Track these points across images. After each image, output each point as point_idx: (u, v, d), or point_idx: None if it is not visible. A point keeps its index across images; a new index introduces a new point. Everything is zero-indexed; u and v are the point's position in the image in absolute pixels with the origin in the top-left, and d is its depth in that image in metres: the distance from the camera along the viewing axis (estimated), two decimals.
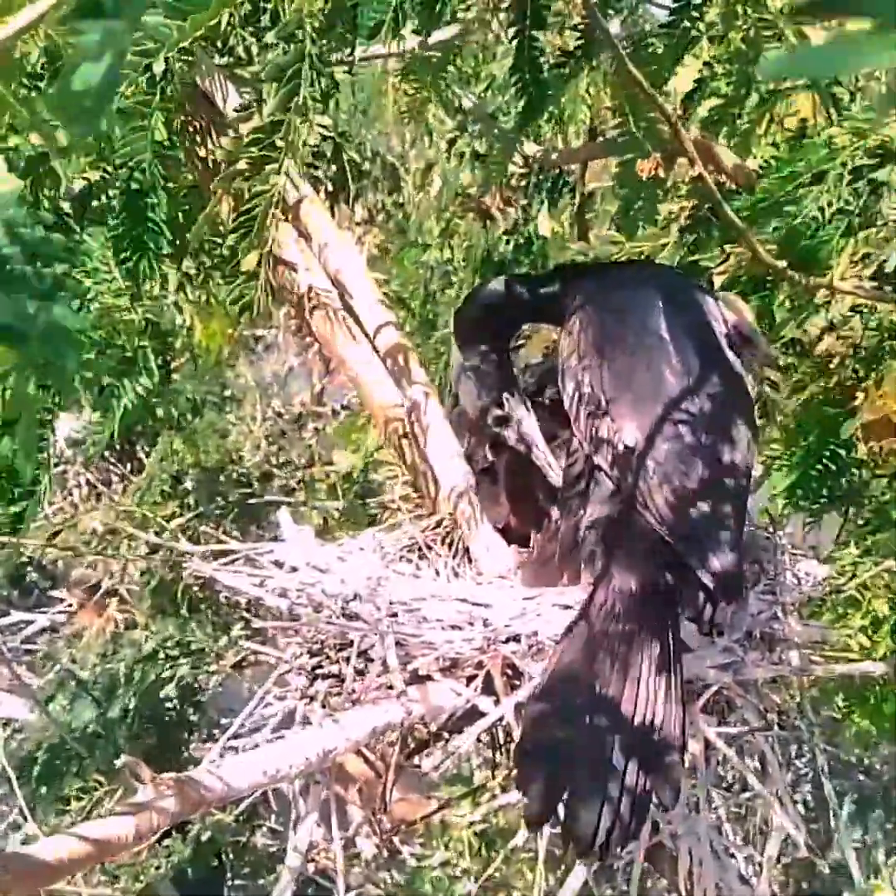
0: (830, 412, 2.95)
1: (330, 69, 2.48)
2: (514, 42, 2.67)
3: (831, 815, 4.51)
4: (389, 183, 5.85)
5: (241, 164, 2.50)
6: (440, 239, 4.54)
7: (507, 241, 4.29)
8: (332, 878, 4.90)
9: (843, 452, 2.97)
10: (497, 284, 2.74)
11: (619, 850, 2.14)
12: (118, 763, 1.82)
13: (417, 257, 4.68)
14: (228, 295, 2.61)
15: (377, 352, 2.72)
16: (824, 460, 2.98)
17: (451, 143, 4.23)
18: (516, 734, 2.37)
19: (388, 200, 5.85)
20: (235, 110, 2.69)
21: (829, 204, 2.67)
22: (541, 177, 3.96)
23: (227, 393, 6.56)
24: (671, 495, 2.31)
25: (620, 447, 2.38)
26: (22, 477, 2.47)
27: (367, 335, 2.72)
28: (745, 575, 2.40)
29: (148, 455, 5.90)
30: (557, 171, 3.89)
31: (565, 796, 2.12)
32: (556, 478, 2.63)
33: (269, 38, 2.42)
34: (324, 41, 2.44)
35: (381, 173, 5.78)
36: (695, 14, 2.80)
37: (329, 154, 3.01)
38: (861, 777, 4.18)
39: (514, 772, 2.23)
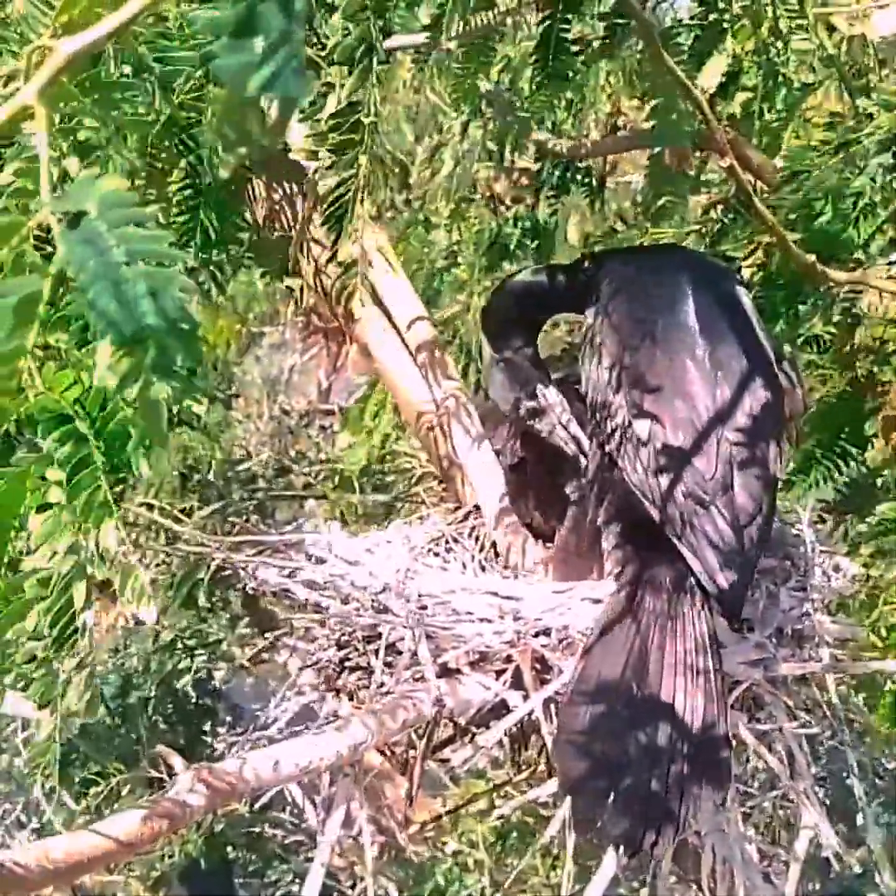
0: (849, 408, 2.91)
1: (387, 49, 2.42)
2: (542, 25, 2.62)
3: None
4: (398, 179, 5.82)
5: (323, 152, 2.42)
6: (450, 221, 4.45)
7: (515, 224, 4.24)
8: (335, 875, 4.89)
9: (854, 450, 2.93)
10: (528, 275, 2.71)
11: (666, 848, 2.12)
12: (156, 749, 1.79)
13: (422, 238, 4.59)
14: (331, 286, 2.57)
15: (407, 345, 2.70)
16: (835, 457, 2.94)
17: (465, 125, 4.17)
18: (544, 730, 2.34)
19: (398, 198, 5.82)
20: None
21: (855, 172, 2.62)
22: (553, 167, 3.91)
23: (233, 390, 6.54)
24: (683, 500, 2.24)
25: (634, 441, 2.31)
26: None
27: (396, 329, 2.70)
28: (747, 597, 2.31)
29: None
30: (575, 162, 3.84)
31: (611, 797, 2.09)
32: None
33: (335, 20, 2.34)
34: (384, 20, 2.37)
35: (390, 169, 5.74)
36: (722, 5, 2.78)
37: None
38: (878, 781, 4.15)
39: (559, 774, 2.20)
